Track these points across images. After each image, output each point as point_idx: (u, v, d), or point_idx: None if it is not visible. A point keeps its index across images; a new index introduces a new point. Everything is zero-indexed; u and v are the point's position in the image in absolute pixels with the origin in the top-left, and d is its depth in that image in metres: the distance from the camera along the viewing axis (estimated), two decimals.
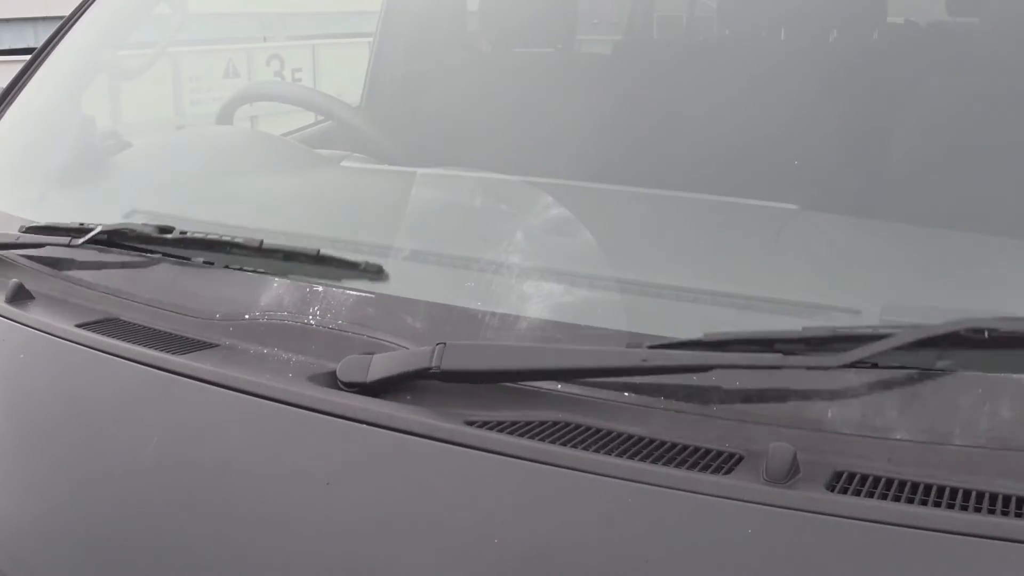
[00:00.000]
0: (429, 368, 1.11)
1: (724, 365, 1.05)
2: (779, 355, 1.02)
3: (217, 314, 1.36)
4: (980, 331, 0.99)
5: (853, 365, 1.00)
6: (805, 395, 1.05)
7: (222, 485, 1.07)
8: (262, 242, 1.39)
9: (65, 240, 1.51)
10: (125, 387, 1.23)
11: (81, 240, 1.49)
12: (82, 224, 1.52)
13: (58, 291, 1.50)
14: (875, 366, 1.02)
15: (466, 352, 1.13)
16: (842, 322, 1.15)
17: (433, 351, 1.12)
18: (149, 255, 1.48)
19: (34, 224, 1.59)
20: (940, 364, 1.02)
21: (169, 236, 1.45)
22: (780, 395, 1.06)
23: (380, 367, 1.14)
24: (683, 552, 0.91)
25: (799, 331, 1.05)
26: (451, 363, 1.11)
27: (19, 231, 1.58)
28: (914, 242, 1.32)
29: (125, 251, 1.51)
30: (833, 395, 1.04)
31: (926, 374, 1.03)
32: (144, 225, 1.49)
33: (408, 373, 1.13)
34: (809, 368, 1.03)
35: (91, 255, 1.55)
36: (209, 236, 1.43)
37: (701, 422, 1.05)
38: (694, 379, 1.09)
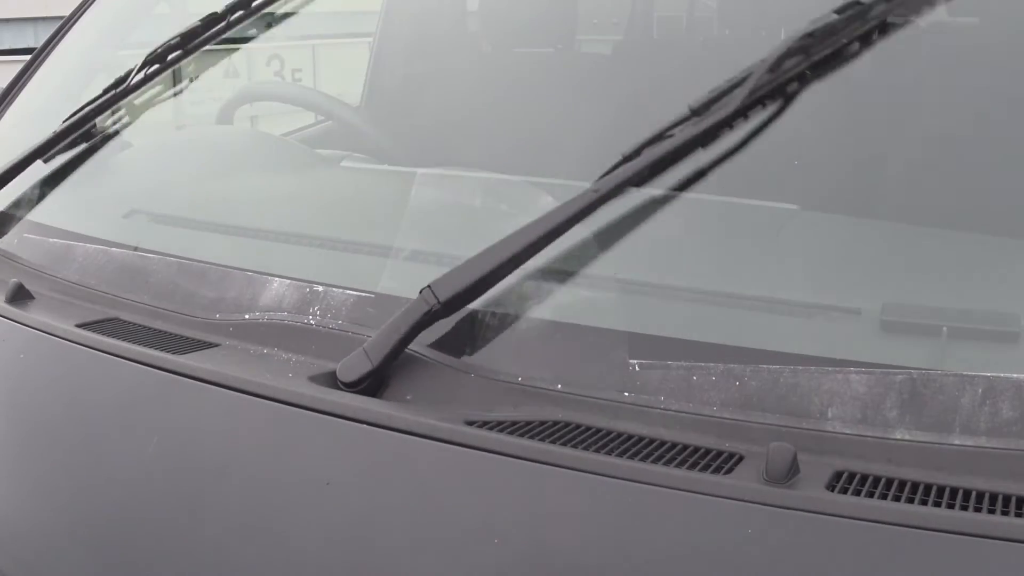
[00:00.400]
0: (430, 310, 1.12)
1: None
2: None
3: (217, 314, 1.36)
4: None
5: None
6: (805, 395, 1.05)
7: (222, 485, 1.07)
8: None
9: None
10: (125, 387, 1.23)
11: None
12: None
13: (58, 291, 1.50)
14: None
15: (453, 278, 1.14)
16: (843, 322, 1.15)
17: (423, 296, 1.13)
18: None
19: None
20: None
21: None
22: (780, 395, 1.06)
23: (378, 346, 1.13)
24: (683, 552, 0.91)
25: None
26: (446, 293, 1.12)
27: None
28: (914, 242, 1.32)
29: (125, 253, 1.51)
30: (833, 395, 1.04)
31: (926, 374, 1.03)
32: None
33: (412, 328, 1.13)
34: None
35: (91, 256, 1.55)
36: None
37: (701, 422, 1.06)
38: (694, 378, 1.09)
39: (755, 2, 1.91)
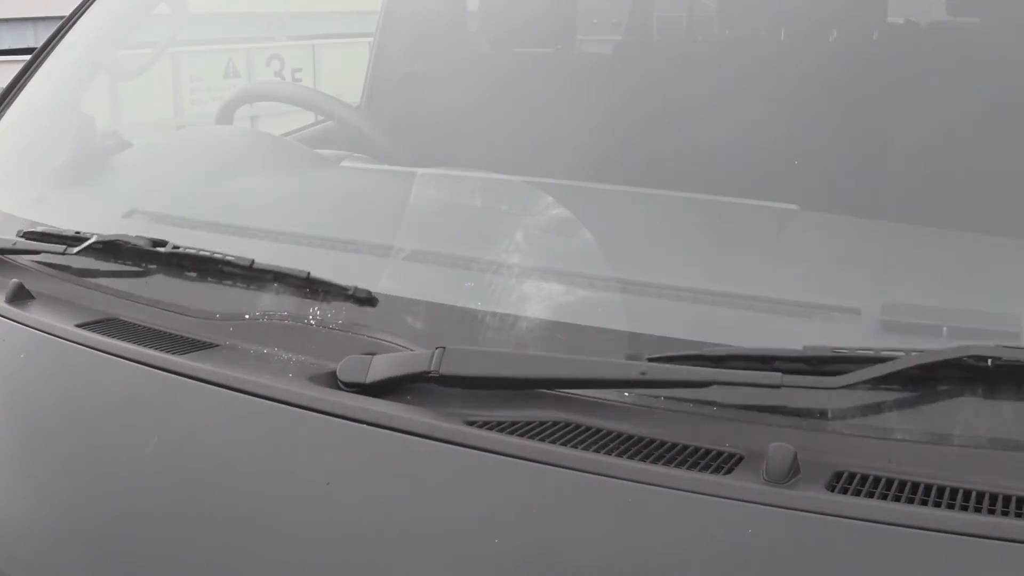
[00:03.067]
0: (428, 372, 1.11)
1: (723, 382, 1.04)
2: (778, 374, 1.02)
3: (217, 314, 1.36)
4: (983, 359, 0.98)
5: (851, 387, 1.01)
6: (805, 395, 1.05)
7: (222, 485, 1.07)
8: (252, 262, 1.37)
9: (60, 248, 1.51)
10: (125, 387, 1.23)
11: (76, 249, 1.49)
12: (78, 232, 1.52)
13: (58, 291, 1.50)
14: (874, 387, 1.02)
15: (464, 357, 1.12)
16: (843, 322, 1.15)
17: (432, 355, 1.11)
18: (147, 259, 1.48)
19: (32, 229, 1.59)
20: (940, 388, 1.02)
21: (161, 251, 1.45)
22: (780, 395, 1.06)
23: (380, 368, 1.14)
24: (683, 552, 0.91)
25: (799, 351, 1.04)
26: (449, 368, 1.11)
27: (16, 236, 1.59)
28: (914, 242, 1.32)
29: (123, 256, 1.51)
30: (833, 395, 1.04)
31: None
32: (137, 238, 1.47)
33: (407, 376, 1.13)
34: (809, 388, 1.03)
35: (91, 257, 1.55)
36: (200, 253, 1.42)
37: (701, 422, 1.05)
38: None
39: (755, 2, 1.91)
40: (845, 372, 1.01)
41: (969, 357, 0.98)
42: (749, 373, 1.04)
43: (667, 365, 1.07)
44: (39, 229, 1.58)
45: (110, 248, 1.50)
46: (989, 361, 0.98)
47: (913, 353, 1.00)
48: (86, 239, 1.50)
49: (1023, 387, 1.00)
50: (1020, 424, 0.99)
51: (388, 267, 1.35)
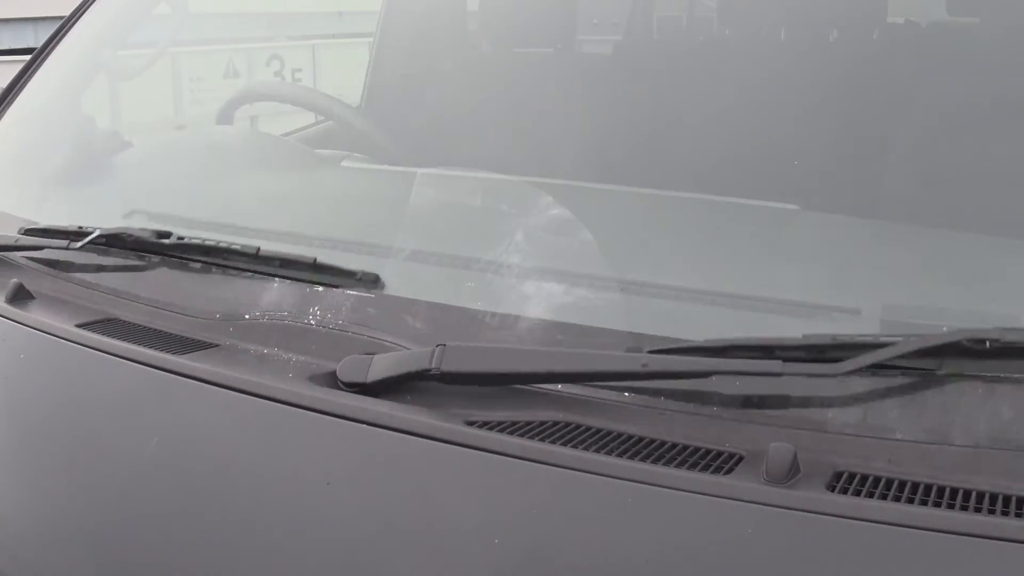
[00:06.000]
0: (429, 370, 1.11)
1: (724, 371, 1.05)
2: (779, 362, 1.02)
3: (217, 314, 1.36)
4: (981, 341, 0.99)
5: (852, 373, 1.01)
6: (806, 395, 1.05)
7: (222, 485, 1.07)
8: (258, 249, 1.38)
9: (63, 243, 1.51)
10: (125, 387, 1.23)
11: (79, 243, 1.49)
12: (80, 227, 1.53)
13: (58, 291, 1.50)
14: (875, 373, 1.02)
15: (466, 354, 1.13)
16: (843, 322, 1.15)
17: (433, 353, 1.11)
18: (147, 258, 1.48)
19: (34, 226, 1.60)
20: (940, 372, 1.02)
21: (166, 242, 1.45)
22: (780, 395, 1.06)
23: (380, 367, 1.14)
24: (683, 552, 0.91)
25: (799, 338, 1.05)
26: (451, 365, 1.11)
27: (18, 233, 1.59)
28: (914, 242, 1.32)
29: (124, 252, 1.51)
30: (834, 396, 1.04)
31: (927, 375, 1.03)
32: (141, 230, 1.49)
33: (408, 374, 1.13)
34: (810, 376, 1.03)
35: (91, 256, 1.55)
36: (206, 243, 1.43)
37: (701, 422, 1.05)
38: (695, 380, 1.09)
39: (755, 2, 1.91)
40: (845, 359, 1.01)
41: (968, 340, 0.99)
42: (749, 362, 1.04)
43: (668, 356, 1.07)
44: (39, 229, 1.59)
45: (112, 242, 1.50)
46: (987, 344, 0.99)
47: (912, 337, 1.01)
48: (88, 233, 1.50)
49: (1022, 386, 1.01)
50: (1020, 424, 0.99)
51: (388, 267, 1.35)
